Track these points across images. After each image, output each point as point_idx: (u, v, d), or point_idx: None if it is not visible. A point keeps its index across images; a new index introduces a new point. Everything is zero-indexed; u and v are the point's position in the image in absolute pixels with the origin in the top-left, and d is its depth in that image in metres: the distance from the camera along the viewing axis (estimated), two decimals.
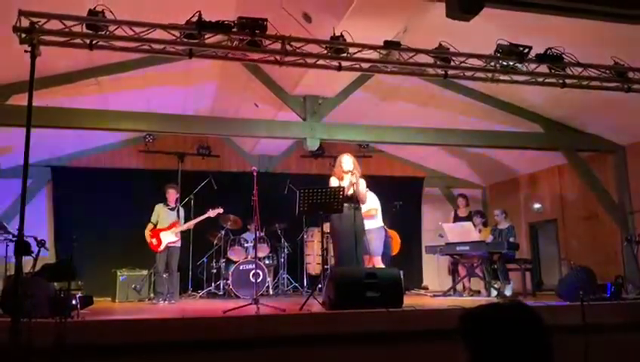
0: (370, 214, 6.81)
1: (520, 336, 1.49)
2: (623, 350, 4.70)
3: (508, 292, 7.89)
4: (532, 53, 5.56)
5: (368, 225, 6.64)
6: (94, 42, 4.76)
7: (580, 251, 8.56)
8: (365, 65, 5.65)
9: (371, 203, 6.96)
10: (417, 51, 5.51)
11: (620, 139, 8.13)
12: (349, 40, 5.27)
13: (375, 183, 7.30)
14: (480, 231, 8.57)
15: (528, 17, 4.88)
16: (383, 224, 7.11)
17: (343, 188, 5.88)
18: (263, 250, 8.71)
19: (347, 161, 6.21)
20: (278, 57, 5.27)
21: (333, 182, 6.17)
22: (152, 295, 7.80)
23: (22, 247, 3.84)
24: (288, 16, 5.99)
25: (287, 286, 9.12)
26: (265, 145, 9.71)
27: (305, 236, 9.38)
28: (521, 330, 1.50)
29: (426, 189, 11.46)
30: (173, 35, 4.91)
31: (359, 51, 5.37)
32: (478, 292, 8.66)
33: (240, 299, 7.62)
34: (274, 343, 4.23)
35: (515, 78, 5.86)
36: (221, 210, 8.19)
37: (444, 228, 8.46)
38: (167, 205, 7.81)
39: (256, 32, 4.96)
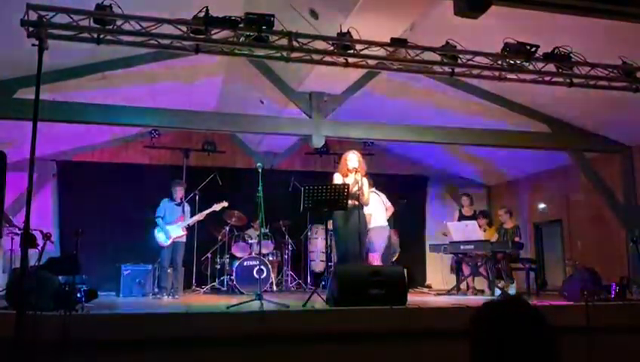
0: (370, 213, 6.79)
1: (521, 331, 1.48)
2: (628, 351, 4.69)
3: (511, 291, 7.89)
4: (539, 52, 5.53)
5: (370, 223, 6.63)
6: (102, 36, 4.78)
7: (585, 251, 8.52)
8: (372, 63, 5.63)
9: (374, 203, 6.93)
10: (424, 49, 5.50)
11: (626, 139, 8.08)
12: (355, 37, 5.25)
13: (379, 181, 7.27)
14: (485, 231, 8.56)
15: (536, 16, 4.85)
16: (386, 223, 7.09)
17: (348, 185, 5.86)
18: (267, 247, 8.73)
19: (352, 159, 6.19)
20: (284, 53, 5.27)
21: (337, 179, 6.15)
22: (156, 289, 7.83)
23: (28, 240, 3.86)
24: (295, 12, 5.98)
25: (291, 283, 9.13)
26: (270, 141, 9.69)
27: (309, 233, 9.40)
28: (522, 325, 1.49)
29: (431, 188, 11.44)
30: (181, 30, 4.91)
31: (366, 48, 5.36)
32: (482, 292, 8.64)
33: (244, 294, 7.64)
34: (277, 339, 4.23)
35: (522, 76, 5.83)
36: (226, 204, 8.26)
37: (449, 226, 8.44)
38: (173, 200, 7.85)
39: (263, 27, 4.96)
